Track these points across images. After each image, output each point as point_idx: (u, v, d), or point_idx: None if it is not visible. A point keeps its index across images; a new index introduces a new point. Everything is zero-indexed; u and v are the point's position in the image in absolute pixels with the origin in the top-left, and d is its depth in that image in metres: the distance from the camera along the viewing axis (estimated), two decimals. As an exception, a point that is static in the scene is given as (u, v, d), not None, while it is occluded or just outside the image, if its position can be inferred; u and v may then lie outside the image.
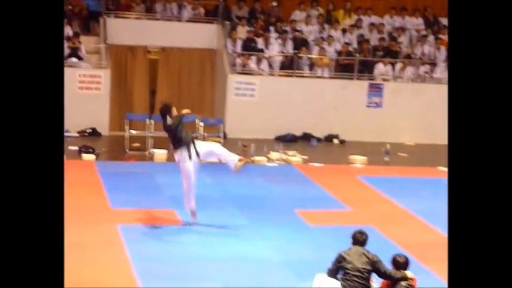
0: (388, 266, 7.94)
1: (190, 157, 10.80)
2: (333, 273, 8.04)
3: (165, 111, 11.12)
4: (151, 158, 15.85)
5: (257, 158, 15.42)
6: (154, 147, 16.23)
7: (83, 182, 13.23)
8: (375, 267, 7.90)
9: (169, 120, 11.00)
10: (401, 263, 7.98)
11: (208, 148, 11.08)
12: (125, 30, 19.21)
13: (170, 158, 15.87)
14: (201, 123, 16.99)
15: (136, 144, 16.48)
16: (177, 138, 10.96)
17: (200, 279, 8.95)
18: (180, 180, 10.90)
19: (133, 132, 16.84)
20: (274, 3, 21.08)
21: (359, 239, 8.15)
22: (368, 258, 7.90)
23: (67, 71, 17.74)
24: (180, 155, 10.85)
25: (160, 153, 15.81)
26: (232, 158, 11.05)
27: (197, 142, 11.03)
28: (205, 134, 16.59)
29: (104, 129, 17.93)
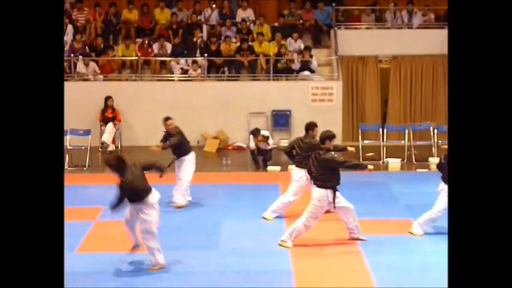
0: None
1: (333, 201, 10.15)
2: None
3: (327, 138, 10.55)
4: (385, 167, 15.80)
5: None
6: (388, 157, 16.18)
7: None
8: None
9: (332, 154, 10.32)
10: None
11: (348, 204, 10.31)
12: (356, 40, 19.37)
13: (404, 167, 15.77)
14: (435, 131, 16.67)
15: (371, 154, 16.51)
16: (338, 175, 10.24)
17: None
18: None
19: (366, 141, 16.91)
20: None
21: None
22: None
23: (300, 84, 18.26)
24: (324, 194, 10.09)
25: (394, 162, 15.72)
26: (359, 229, 10.46)
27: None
28: (440, 141, 16.21)
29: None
